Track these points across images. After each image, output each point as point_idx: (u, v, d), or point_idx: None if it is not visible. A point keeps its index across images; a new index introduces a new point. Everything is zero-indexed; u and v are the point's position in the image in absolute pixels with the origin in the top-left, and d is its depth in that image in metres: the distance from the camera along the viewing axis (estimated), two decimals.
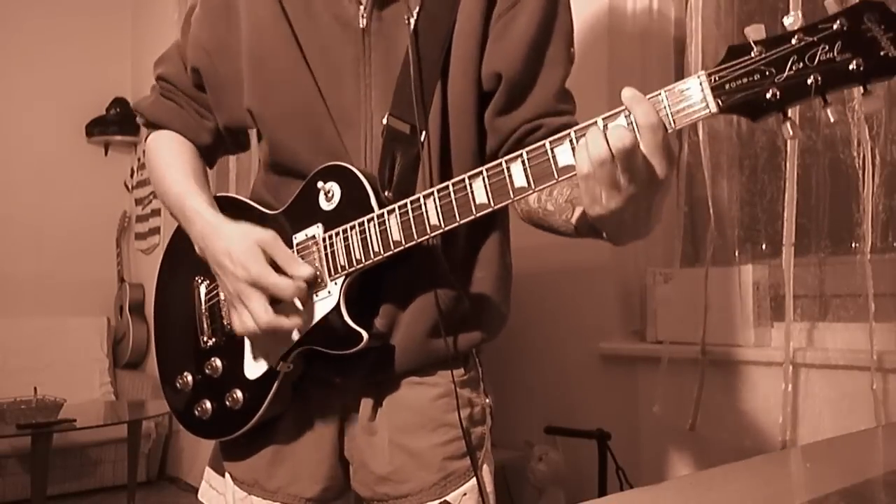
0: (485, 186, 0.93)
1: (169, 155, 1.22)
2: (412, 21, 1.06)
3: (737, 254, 2.08)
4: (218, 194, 1.19)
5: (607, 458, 2.06)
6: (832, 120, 0.77)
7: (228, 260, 1.03)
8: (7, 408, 3.27)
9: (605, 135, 0.82)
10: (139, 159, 5.04)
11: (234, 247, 1.03)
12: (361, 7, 1.08)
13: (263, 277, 1.00)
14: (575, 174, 0.86)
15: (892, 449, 1.09)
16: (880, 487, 0.80)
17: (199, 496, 1.28)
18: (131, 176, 5.13)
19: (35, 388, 3.48)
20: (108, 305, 4.97)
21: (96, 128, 5.00)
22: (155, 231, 4.72)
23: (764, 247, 2.05)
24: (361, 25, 1.08)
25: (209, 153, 1.27)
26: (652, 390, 2.07)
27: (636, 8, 2.29)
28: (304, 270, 1.01)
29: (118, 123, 4.99)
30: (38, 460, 3.23)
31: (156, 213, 4.72)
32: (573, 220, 1.02)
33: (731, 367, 1.93)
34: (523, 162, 0.90)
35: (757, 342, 1.89)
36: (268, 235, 1.03)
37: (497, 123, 1.10)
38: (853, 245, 1.79)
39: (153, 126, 1.27)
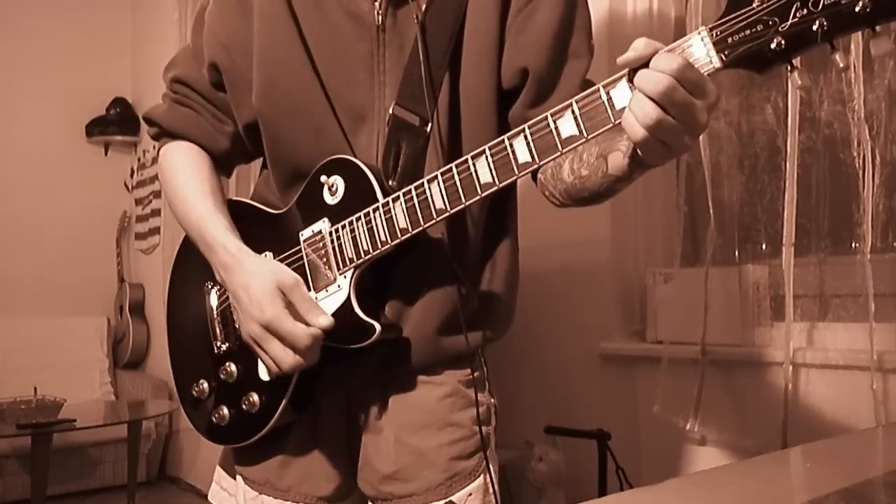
0: (488, 164, 0.92)
1: (185, 172, 1.18)
2: (419, 14, 1.05)
3: (737, 254, 2.08)
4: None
5: (607, 458, 2.06)
6: (841, 66, 0.75)
7: (246, 296, 1.00)
8: (7, 408, 3.27)
9: (642, 92, 0.79)
10: (139, 159, 5.04)
11: (254, 283, 1.00)
12: (376, 4, 1.08)
13: (278, 322, 0.97)
14: (577, 144, 0.86)
15: (892, 449, 1.09)
16: (880, 487, 0.80)
17: (210, 497, 1.27)
18: (131, 176, 5.12)
19: (35, 388, 3.49)
20: (108, 305, 4.97)
21: (96, 128, 5.00)
22: (155, 231, 4.71)
23: (764, 247, 2.05)
24: (377, 22, 1.07)
25: (226, 160, 1.24)
26: (652, 390, 2.07)
27: (636, 11, 2.29)
28: (323, 321, 0.98)
29: (118, 123, 4.99)
30: (38, 460, 3.23)
31: (156, 213, 4.71)
32: (613, 171, 0.96)
33: (731, 367, 1.93)
34: (526, 137, 0.89)
35: (757, 342, 1.89)
36: (290, 279, 1.00)
37: (529, 116, 1.09)
38: (853, 245, 1.80)
39: (167, 135, 1.22)
